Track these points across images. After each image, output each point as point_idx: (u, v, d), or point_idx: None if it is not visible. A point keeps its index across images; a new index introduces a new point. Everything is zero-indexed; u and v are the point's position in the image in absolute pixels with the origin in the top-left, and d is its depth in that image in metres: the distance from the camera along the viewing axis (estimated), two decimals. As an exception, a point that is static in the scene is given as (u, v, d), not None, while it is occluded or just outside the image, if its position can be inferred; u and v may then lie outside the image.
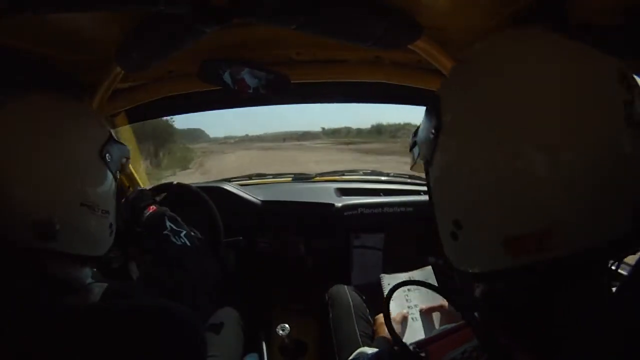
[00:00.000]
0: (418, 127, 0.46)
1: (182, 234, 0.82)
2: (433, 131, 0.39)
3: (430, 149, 0.40)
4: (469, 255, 0.38)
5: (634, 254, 0.34)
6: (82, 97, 0.89)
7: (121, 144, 0.62)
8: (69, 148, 0.52)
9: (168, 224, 0.83)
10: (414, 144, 0.47)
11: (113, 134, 0.60)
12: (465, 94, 0.38)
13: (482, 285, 0.41)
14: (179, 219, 0.86)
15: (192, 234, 0.85)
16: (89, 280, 0.57)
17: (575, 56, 0.34)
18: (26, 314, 0.43)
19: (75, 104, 0.58)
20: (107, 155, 0.56)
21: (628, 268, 0.31)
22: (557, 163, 0.31)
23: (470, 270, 0.39)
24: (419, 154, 0.45)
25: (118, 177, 0.60)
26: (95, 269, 0.62)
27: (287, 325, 1.11)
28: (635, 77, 0.38)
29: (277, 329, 1.11)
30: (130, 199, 0.91)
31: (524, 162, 0.32)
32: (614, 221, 0.32)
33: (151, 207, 0.89)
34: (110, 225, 0.59)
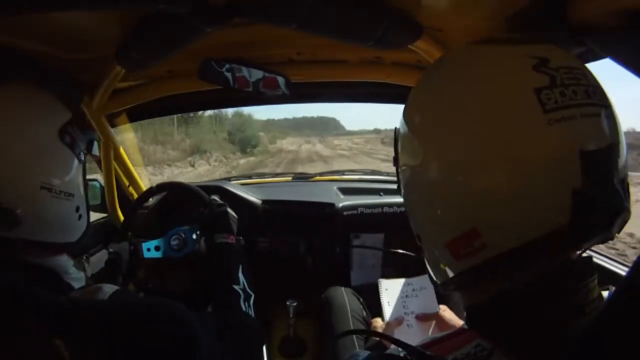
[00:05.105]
0: None
1: (251, 300, 0.70)
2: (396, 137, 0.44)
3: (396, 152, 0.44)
4: (433, 266, 0.41)
5: (582, 244, 0.34)
6: (81, 96, 0.90)
7: (85, 128, 0.60)
8: (24, 131, 0.51)
9: (242, 278, 0.72)
10: None
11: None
12: (411, 108, 0.42)
13: (464, 297, 0.42)
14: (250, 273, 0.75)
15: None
16: (71, 270, 0.56)
17: (491, 66, 0.36)
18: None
19: (31, 91, 0.56)
20: (67, 137, 0.55)
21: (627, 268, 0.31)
22: (475, 170, 0.33)
23: (443, 280, 0.41)
24: None
25: (84, 160, 0.59)
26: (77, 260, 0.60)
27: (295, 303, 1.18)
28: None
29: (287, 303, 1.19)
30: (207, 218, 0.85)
31: (449, 172, 0.35)
32: (547, 214, 0.32)
33: (230, 236, 0.82)
34: (78, 208, 0.58)
